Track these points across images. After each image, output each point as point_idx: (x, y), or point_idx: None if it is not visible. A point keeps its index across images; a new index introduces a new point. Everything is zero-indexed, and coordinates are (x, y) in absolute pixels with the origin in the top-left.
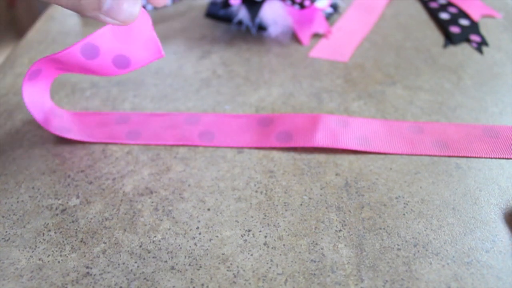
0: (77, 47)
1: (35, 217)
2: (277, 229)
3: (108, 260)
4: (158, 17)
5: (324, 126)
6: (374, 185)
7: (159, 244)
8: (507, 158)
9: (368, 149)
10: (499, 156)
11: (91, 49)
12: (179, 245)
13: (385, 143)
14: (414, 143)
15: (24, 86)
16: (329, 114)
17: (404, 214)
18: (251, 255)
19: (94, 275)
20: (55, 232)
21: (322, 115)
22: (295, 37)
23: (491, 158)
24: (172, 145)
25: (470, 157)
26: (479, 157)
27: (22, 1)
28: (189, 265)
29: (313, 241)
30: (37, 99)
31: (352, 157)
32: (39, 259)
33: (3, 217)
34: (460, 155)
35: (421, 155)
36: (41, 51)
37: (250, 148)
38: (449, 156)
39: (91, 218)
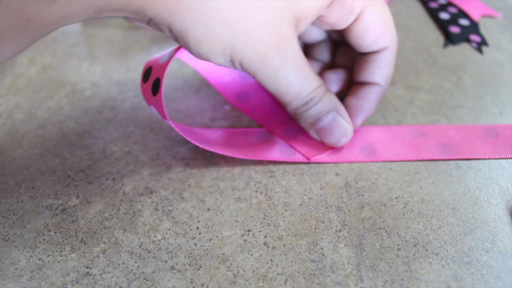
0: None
1: (35, 217)
2: (277, 229)
3: (108, 260)
4: None
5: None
6: (374, 185)
7: (159, 244)
8: (510, 158)
9: (373, 159)
10: (502, 157)
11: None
12: (179, 245)
13: (389, 149)
14: (418, 148)
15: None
16: None
17: (404, 214)
18: (251, 255)
19: (94, 275)
20: (55, 232)
21: None
22: None
23: (494, 159)
24: (172, 146)
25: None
26: (482, 158)
27: None
28: (189, 265)
29: (313, 241)
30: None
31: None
32: (39, 259)
33: (3, 217)
34: (464, 157)
35: (426, 160)
36: (41, 51)
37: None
38: (452, 159)
39: (91, 218)
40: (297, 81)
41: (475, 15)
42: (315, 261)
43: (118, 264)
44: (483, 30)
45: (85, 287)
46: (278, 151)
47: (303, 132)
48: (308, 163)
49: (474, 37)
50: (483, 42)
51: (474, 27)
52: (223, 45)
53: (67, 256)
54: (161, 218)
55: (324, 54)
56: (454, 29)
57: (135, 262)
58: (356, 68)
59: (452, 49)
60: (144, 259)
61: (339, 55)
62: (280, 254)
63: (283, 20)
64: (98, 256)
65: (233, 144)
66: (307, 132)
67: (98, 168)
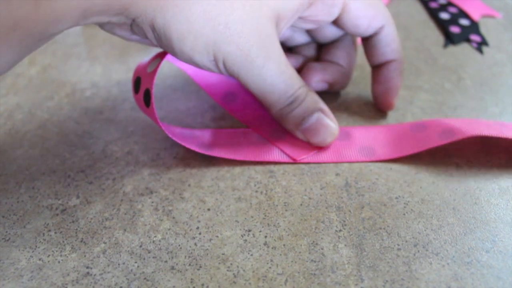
0: None
1: (35, 217)
2: (277, 229)
3: (108, 260)
4: None
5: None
6: (374, 185)
7: (159, 244)
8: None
9: (373, 159)
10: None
11: None
12: (179, 245)
13: (390, 147)
14: (419, 140)
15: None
16: None
17: (404, 214)
18: (251, 255)
19: (94, 275)
20: (55, 232)
21: None
22: None
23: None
24: (172, 146)
25: (470, 157)
26: (478, 158)
27: None
28: (189, 265)
29: (313, 241)
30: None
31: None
32: (39, 259)
33: (3, 217)
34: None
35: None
36: (41, 51)
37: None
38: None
39: (91, 218)
40: (281, 80)
41: (475, 15)
42: (315, 261)
43: (118, 264)
44: (483, 30)
45: (85, 287)
46: (276, 152)
47: (290, 133)
48: (308, 163)
49: (474, 37)
50: (483, 42)
51: (474, 27)
52: (206, 41)
53: (67, 256)
54: (161, 218)
55: (308, 51)
56: (454, 29)
57: (135, 262)
58: (368, 55)
59: (452, 49)
60: (144, 259)
61: (324, 52)
62: (280, 254)
63: (263, 17)
64: (98, 256)
65: (233, 144)
66: (293, 133)
67: (98, 168)
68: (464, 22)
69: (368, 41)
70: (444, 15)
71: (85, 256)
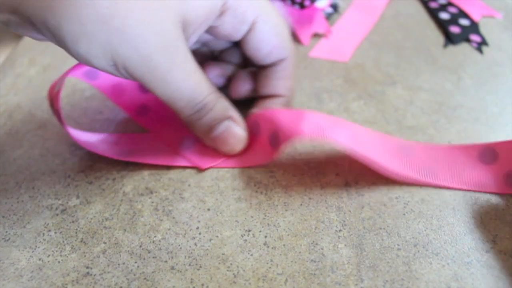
0: None
1: (35, 217)
2: (277, 229)
3: (108, 260)
4: None
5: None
6: (374, 185)
7: (159, 244)
8: None
9: (434, 182)
10: None
11: None
12: (179, 245)
13: (451, 174)
14: (480, 176)
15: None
16: (393, 138)
17: (404, 214)
18: (251, 255)
19: (94, 275)
20: (55, 232)
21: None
22: (295, 37)
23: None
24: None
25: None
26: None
27: None
28: (189, 265)
29: (313, 241)
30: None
31: (352, 157)
32: (39, 259)
33: (3, 217)
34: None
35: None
36: (41, 51)
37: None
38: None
39: (91, 218)
40: (188, 86)
41: (475, 15)
42: (315, 261)
43: (118, 264)
44: (483, 30)
45: (85, 287)
46: (182, 160)
47: (199, 142)
48: (308, 162)
49: (474, 37)
50: (483, 42)
51: (474, 27)
52: (102, 45)
53: (67, 256)
54: (161, 218)
55: (235, 57)
56: (454, 29)
57: (135, 262)
58: (258, 83)
59: (452, 49)
60: (144, 259)
61: (261, 85)
62: (280, 254)
63: (165, 20)
64: (98, 256)
65: (143, 149)
66: (202, 140)
67: (98, 168)
68: (464, 22)
69: (262, 69)
70: (444, 15)
71: (85, 256)
